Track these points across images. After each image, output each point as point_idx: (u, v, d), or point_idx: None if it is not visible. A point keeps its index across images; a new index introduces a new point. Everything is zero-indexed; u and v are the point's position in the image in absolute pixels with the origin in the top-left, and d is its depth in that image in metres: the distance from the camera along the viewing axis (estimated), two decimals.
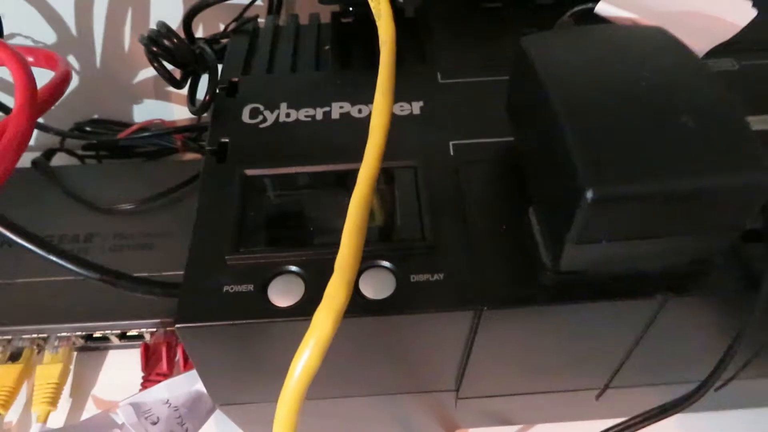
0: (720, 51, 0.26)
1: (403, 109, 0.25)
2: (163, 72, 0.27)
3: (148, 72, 0.41)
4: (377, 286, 0.20)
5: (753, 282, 0.19)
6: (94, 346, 0.33)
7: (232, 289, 0.20)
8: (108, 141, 0.40)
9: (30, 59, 0.23)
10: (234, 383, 0.23)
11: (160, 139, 0.40)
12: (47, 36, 0.39)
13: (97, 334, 0.32)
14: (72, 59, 0.40)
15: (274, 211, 0.22)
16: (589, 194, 0.15)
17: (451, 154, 0.23)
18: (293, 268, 0.20)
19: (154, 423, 0.27)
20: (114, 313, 0.31)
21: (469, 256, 0.20)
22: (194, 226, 0.22)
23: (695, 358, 0.23)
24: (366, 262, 0.20)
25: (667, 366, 0.24)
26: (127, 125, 0.43)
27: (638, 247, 0.17)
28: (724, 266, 0.19)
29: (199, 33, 0.39)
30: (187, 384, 0.29)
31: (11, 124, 0.18)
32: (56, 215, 0.36)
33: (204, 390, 0.28)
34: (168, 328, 0.31)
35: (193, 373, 0.29)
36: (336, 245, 0.20)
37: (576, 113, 0.17)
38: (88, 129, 0.42)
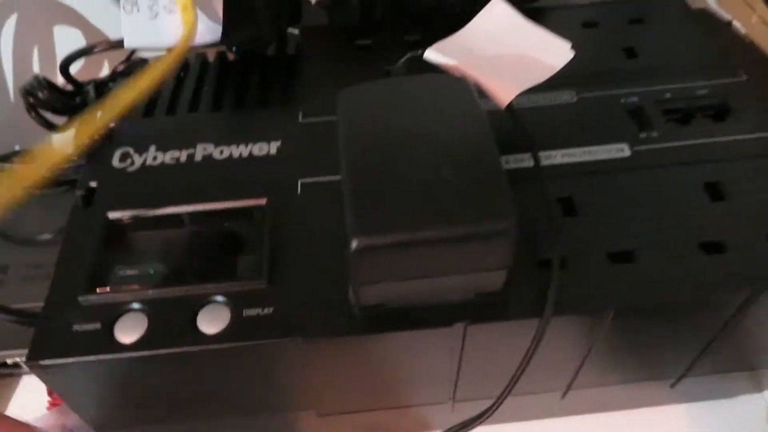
0: (562, 83, 0.28)
1: (261, 149, 0.27)
2: (40, 121, 0.29)
3: None
4: (213, 320, 0.22)
5: (542, 307, 0.21)
6: (7, 373, 0.35)
7: (81, 327, 0.22)
8: None
9: None
10: (101, 413, 0.25)
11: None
12: None
13: (9, 361, 0.34)
14: None
15: (127, 252, 0.24)
16: (353, 244, 0.17)
17: (298, 192, 0.25)
18: (137, 305, 0.22)
19: None
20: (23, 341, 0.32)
21: (299, 292, 0.22)
22: (55, 269, 0.24)
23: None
24: (204, 298, 0.22)
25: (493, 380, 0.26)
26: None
27: (417, 286, 0.19)
28: (524, 292, 0.21)
29: (104, 70, 0.41)
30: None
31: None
32: None
33: None
34: None
35: None
36: (180, 283, 0.23)
37: (355, 169, 0.19)
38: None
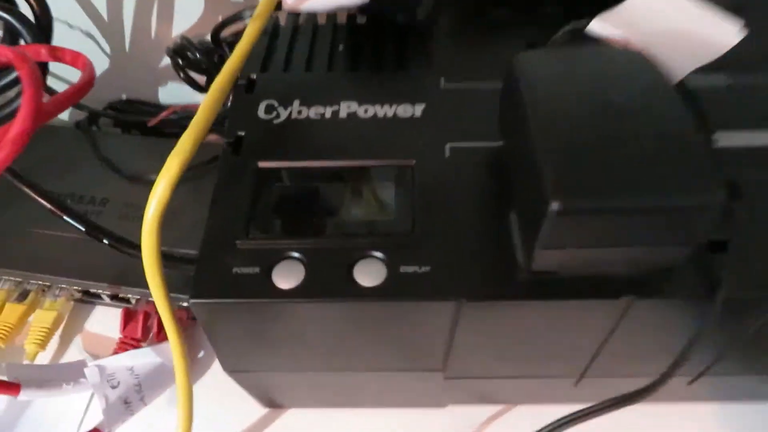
0: (714, 66, 0.27)
1: (406, 111, 0.27)
2: (188, 81, 0.29)
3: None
4: (370, 274, 0.22)
5: (712, 289, 0.21)
6: (88, 300, 0.36)
7: (240, 270, 0.22)
8: (138, 123, 0.43)
9: (55, 57, 0.25)
10: (240, 353, 0.26)
11: (187, 122, 0.42)
12: (82, 22, 0.41)
13: (93, 291, 0.35)
14: (104, 43, 0.43)
15: (282, 202, 0.24)
16: (554, 206, 0.17)
17: (447, 155, 0.25)
18: (295, 254, 0.22)
19: (114, 387, 0.30)
20: (109, 275, 0.34)
21: (455, 252, 0.22)
22: (209, 212, 0.24)
23: (662, 354, 0.25)
24: (360, 251, 0.22)
25: (639, 359, 0.26)
26: (156, 105, 0.46)
27: (600, 254, 0.19)
28: (689, 273, 0.21)
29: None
30: (152, 356, 0.31)
31: (11, 130, 0.20)
32: (82, 175, 0.39)
33: (166, 364, 0.31)
34: (149, 299, 0.34)
35: (160, 347, 0.32)
36: (335, 235, 0.23)
37: (547, 132, 0.18)
38: (119, 108, 0.45)
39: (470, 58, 0.29)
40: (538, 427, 0.24)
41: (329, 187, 0.25)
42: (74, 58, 0.25)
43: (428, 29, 0.32)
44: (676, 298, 0.21)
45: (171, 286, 0.33)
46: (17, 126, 0.20)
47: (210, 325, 0.23)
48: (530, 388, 0.29)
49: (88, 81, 0.24)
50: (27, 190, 0.28)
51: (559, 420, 0.22)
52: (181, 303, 0.33)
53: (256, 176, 0.25)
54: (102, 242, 0.28)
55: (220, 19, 0.33)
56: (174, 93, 0.46)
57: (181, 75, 0.29)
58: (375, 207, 0.24)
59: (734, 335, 0.23)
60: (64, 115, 0.46)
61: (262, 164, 0.25)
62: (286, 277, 0.22)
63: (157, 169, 0.38)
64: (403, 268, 0.22)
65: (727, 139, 0.25)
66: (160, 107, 0.46)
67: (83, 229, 0.27)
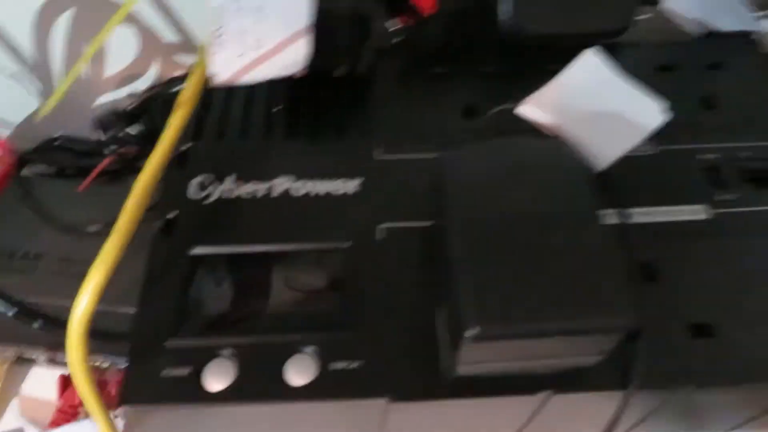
0: None
1: (338, 188, 0.27)
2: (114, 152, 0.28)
3: (107, 95, 0.42)
4: (300, 372, 0.22)
5: (625, 381, 0.21)
6: (24, 362, 0.35)
7: (170, 372, 0.22)
8: (74, 165, 0.41)
9: None
10: None
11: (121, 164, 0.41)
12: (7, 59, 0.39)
13: (26, 356, 0.34)
14: (34, 80, 0.41)
15: (214, 293, 0.24)
16: (470, 333, 0.18)
17: (379, 237, 0.25)
18: (226, 352, 0.22)
19: None
20: (43, 339, 0.32)
21: (385, 346, 0.22)
22: (138, 305, 0.24)
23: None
24: (292, 347, 0.22)
25: None
26: (92, 142, 0.44)
27: (518, 365, 0.20)
28: (604, 365, 0.22)
29: None
30: (89, 426, 0.31)
31: None
32: (13, 227, 0.37)
33: None
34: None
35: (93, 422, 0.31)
36: (267, 330, 0.23)
37: (468, 252, 0.19)
38: (52, 148, 0.43)
39: (408, 121, 0.29)
40: None
41: (261, 275, 0.25)
42: None
43: (366, 86, 0.31)
44: (593, 391, 0.22)
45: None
46: None
47: (142, 427, 0.23)
48: None
49: (10, 166, 0.23)
50: None
51: None
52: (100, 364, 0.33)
53: (186, 264, 0.24)
54: (31, 326, 0.27)
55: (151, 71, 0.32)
56: None
57: (106, 149, 0.28)
58: (308, 296, 0.24)
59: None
60: None
61: (192, 251, 0.25)
62: (216, 378, 0.22)
63: (94, 219, 0.38)
64: (333, 365, 0.22)
65: (646, 216, 0.26)
66: (98, 144, 0.44)
67: (10, 315, 0.27)
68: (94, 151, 0.43)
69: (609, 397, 0.22)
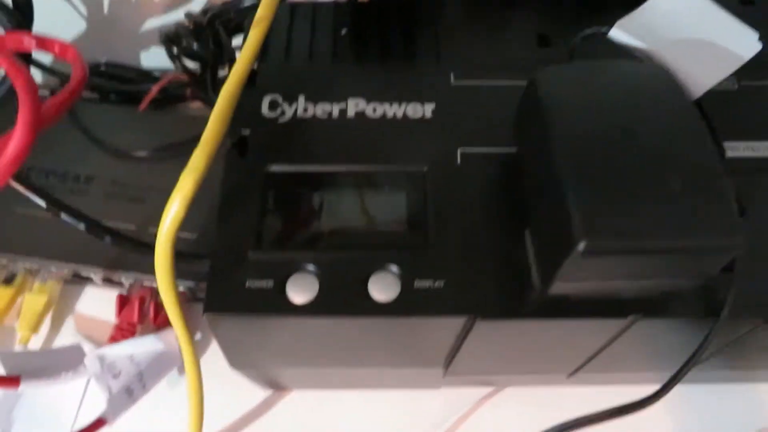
0: None
1: (416, 111, 0.26)
2: (183, 69, 0.27)
3: (155, 20, 0.41)
4: (384, 289, 0.22)
5: (715, 309, 0.21)
6: (78, 281, 0.35)
7: (253, 284, 0.22)
8: (120, 91, 0.40)
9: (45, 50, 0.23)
10: (249, 356, 0.26)
11: (175, 91, 0.40)
12: None
13: (84, 274, 0.34)
14: (79, 3, 0.40)
15: (293, 210, 0.24)
16: (581, 246, 0.17)
17: (458, 162, 0.25)
18: (309, 266, 0.22)
19: (116, 376, 0.30)
20: (101, 259, 0.33)
21: (469, 266, 0.22)
22: (218, 218, 0.23)
23: (657, 359, 0.26)
24: (374, 264, 0.22)
25: (633, 362, 0.27)
26: (138, 70, 0.43)
27: (618, 285, 0.19)
28: (694, 293, 0.22)
29: None
30: (153, 344, 0.31)
31: (11, 144, 0.19)
32: (63, 150, 0.37)
33: (168, 351, 0.31)
34: (144, 284, 0.33)
35: (161, 334, 0.32)
36: (348, 247, 0.23)
37: (575, 165, 0.18)
38: (98, 73, 0.42)
39: (479, 49, 0.29)
40: (527, 408, 0.24)
41: (340, 193, 0.24)
42: (63, 50, 0.23)
43: (436, 9, 0.30)
44: (680, 318, 0.22)
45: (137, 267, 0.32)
46: (17, 142, 0.19)
47: (221, 333, 0.23)
48: (524, 379, 0.31)
49: (82, 78, 0.22)
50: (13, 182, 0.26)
51: (555, 427, 0.23)
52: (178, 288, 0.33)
53: (264, 181, 0.24)
54: (103, 239, 0.27)
55: None
56: (157, 57, 0.44)
57: (176, 63, 0.27)
58: (388, 216, 0.24)
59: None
60: (38, 80, 0.43)
61: (270, 168, 0.24)
62: (300, 291, 0.22)
63: (144, 144, 0.37)
64: (418, 283, 0.22)
65: (731, 150, 0.26)
66: (142, 72, 0.43)
67: (83, 228, 0.26)
68: (139, 78, 0.42)
69: (696, 325, 0.22)
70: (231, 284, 0.22)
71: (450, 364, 0.27)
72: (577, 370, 0.28)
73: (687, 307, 0.22)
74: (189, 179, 0.20)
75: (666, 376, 0.22)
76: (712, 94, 0.27)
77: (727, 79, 0.28)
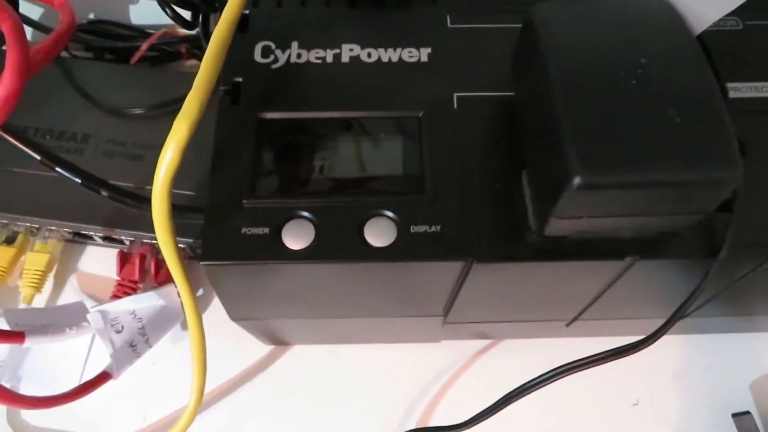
0: None
1: (411, 55, 0.26)
2: (175, 18, 0.27)
3: None
4: (380, 234, 0.22)
5: (714, 250, 0.21)
6: (79, 240, 0.36)
7: (249, 231, 0.22)
8: (112, 48, 0.40)
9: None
10: (248, 305, 0.26)
11: (167, 47, 0.40)
12: None
13: (84, 233, 0.34)
14: None
15: (287, 157, 0.23)
16: (576, 180, 0.17)
17: (455, 106, 0.24)
18: (304, 213, 0.22)
19: (119, 331, 0.30)
20: (101, 217, 0.33)
21: (465, 210, 0.22)
22: (212, 167, 0.23)
23: (652, 304, 0.26)
24: (370, 210, 0.22)
25: (630, 307, 0.27)
26: (128, 27, 0.43)
27: (614, 223, 0.19)
28: (692, 233, 0.22)
29: None
30: (154, 299, 0.31)
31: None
32: (59, 108, 0.36)
33: (169, 306, 0.31)
34: (144, 241, 0.33)
35: (162, 290, 0.32)
36: (343, 193, 0.22)
37: (571, 100, 0.18)
38: (89, 31, 0.42)
39: None
40: (525, 358, 0.25)
41: (334, 140, 0.24)
42: None
43: None
44: (678, 259, 0.21)
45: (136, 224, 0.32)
46: (5, 86, 0.19)
47: (219, 282, 0.23)
48: (523, 328, 0.31)
49: (70, 24, 0.22)
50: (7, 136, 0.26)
51: (555, 369, 0.23)
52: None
53: (257, 128, 0.24)
54: (100, 193, 0.27)
55: None
56: (146, 12, 0.43)
57: (167, 11, 0.27)
58: (383, 162, 0.24)
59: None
60: (30, 39, 0.42)
61: (263, 115, 0.24)
62: (296, 237, 0.22)
63: (140, 101, 0.37)
64: (414, 228, 0.22)
65: (734, 91, 0.25)
66: (132, 29, 0.42)
67: (79, 182, 0.26)
68: (132, 36, 0.42)
69: (695, 267, 0.22)
70: (227, 232, 0.22)
71: (449, 312, 0.27)
72: (575, 318, 0.28)
73: (686, 248, 0.21)
74: (183, 124, 0.20)
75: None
76: (716, 33, 0.27)
77: (731, 19, 0.27)
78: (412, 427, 0.31)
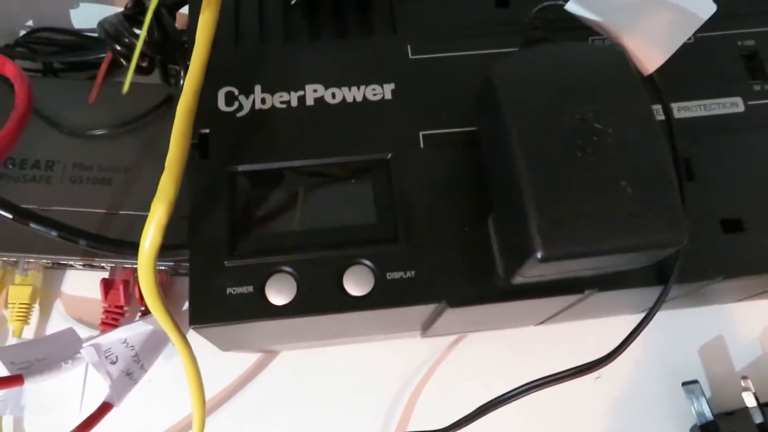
0: None
1: (375, 93, 0.26)
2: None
3: None
4: (358, 283, 0.23)
5: (664, 278, 0.23)
6: (59, 267, 0.36)
7: (234, 291, 0.23)
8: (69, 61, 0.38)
9: None
10: (237, 345, 0.27)
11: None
12: None
13: (63, 262, 0.34)
14: None
15: (262, 210, 0.24)
16: (539, 255, 0.19)
17: (421, 146, 0.25)
18: (286, 268, 0.23)
19: (114, 362, 0.31)
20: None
21: (437, 256, 0.23)
22: (189, 227, 0.24)
23: (617, 309, 0.28)
24: (347, 260, 0.23)
25: (594, 313, 0.29)
26: (73, 32, 0.41)
27: (575, 274, 0.21)
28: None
29: None
30: (143, 326, 0.32)
31: None
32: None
33: (156, 329, 0.32)
34: (125, 266, 0.34)
35: (148, 318, 0.32)
36: (321, 245, 0.23)
37: (533, 169, 0.19)
38: (34, 42, 0.40)
39: (439, 15, 0.27)
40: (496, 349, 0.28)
41: (307, 189, 0.24)
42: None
43: None
44: (633, 288, 0.23)
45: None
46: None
47: (209, 336, 0.25)
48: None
49: (27, 100, 0.21)
50: None
51: (526, 384, 0.25)
52: (159, 267, 0.34)
53: (229, 183, 0.24)
54: (78, 244, 0.27)
55: None
56: (89, 16, 0.41)
57: (123, 62, 0.26)
58: (356, 208, 0.24)
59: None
60: None
61: (234, 168, 0.24)
62: (279, 293, 0.23)
63: (102, 121, 0.36)
64: (390, 275, 0.23)
65: (684, 111, 0.26)
66: (78, 34, 0.41)
67: (55, 234, 0.26)
68: (83, 44, 0.40)
69: (647, 292, 0.24)
70: (212, 294, 0.23)
71: (426, 330, 0.29)
72: (542, 322, 0.30)
73: (640, 279, 0.23)
74: (160, 207, 0.20)
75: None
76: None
77: None
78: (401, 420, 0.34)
